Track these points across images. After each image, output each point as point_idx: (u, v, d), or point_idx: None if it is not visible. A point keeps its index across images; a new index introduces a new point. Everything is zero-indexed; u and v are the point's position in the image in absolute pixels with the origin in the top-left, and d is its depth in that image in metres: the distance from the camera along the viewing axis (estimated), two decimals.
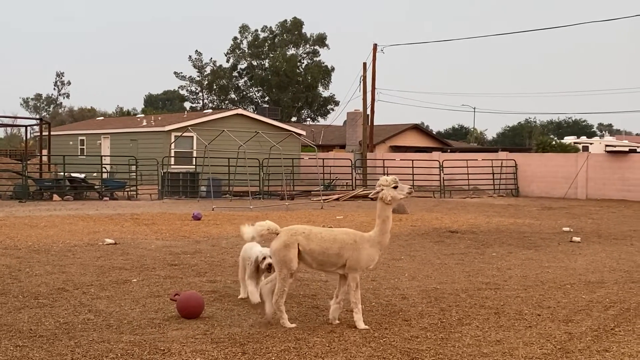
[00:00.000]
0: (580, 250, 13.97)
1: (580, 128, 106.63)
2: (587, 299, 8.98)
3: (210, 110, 56.01)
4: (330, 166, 38.00)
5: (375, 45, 40.62)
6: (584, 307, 8.53)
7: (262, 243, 8.75)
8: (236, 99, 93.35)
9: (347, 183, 36.00)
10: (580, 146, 54.79)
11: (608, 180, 32.97)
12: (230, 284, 9.64)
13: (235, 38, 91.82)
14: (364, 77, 40.49)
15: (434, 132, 75.41)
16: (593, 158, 34.68)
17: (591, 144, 56.97)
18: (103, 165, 32.76)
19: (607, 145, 47.00)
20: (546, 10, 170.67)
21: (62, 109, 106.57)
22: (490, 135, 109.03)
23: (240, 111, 44.49)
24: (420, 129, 60.84)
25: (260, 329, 7.14)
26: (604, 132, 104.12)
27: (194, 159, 34.80)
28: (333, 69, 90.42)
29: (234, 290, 9.18)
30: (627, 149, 40.45)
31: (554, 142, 56.07)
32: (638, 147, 49.01)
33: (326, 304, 8.22)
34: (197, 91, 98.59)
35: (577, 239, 15.63)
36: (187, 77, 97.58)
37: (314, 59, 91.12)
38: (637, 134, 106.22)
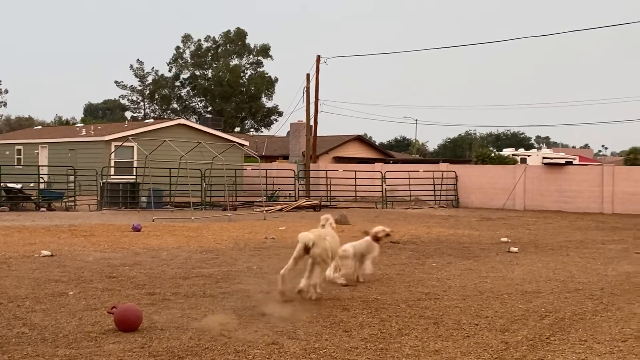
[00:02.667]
0: (517, 260, 14.20)
1: (518, 140, 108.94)
2: (523, 309, 9.13)
3: (151, 120, 55.32)
4: (274, 177, 37.95)
5: (318, 57, 40.82)
6: (521, 316, 8.67)
7: None
8: (178, 108, 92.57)
9: (290, 194, 35.98)
10: (518, 158, 55.88)
11: (545, 191, 33.66)
12: (169, 297, 9.51)
13: (178, 47, 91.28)
14: (307, 88, 40.62)
15: (377, 144, 75.94)
16: (530, 170, 35.37)
17: (529, 156, 58.19)
18: (40, 176, 32.08)
19: (544, 158, 48.10)
20: (485, 25, 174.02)
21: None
22: (432, 147, 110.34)
23: (182, 121, 44.01)
24: (363, 140, 61.20)
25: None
26: (541, 144, 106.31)
27: (135, 169, 34.30)
28: (277, 79, 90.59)
29: (173, 303, 9.07)
30: (563, 161, 41.52)
31: (493, 154, 57.02)
32: (574, 159, 50.32)
33: (268, 314, 8.22)
34: (138, 101, 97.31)
35: (515, 249, 15.89)
36: (128, 86, 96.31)
37: (258, 69, 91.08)
38: (573, 147, 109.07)
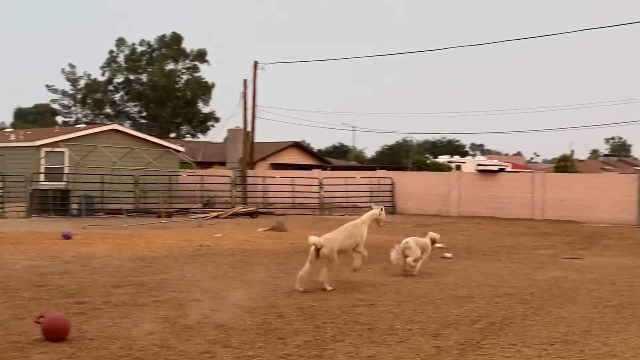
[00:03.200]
0: (451, 266, 14.41)
1: (453, 148, 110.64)
2: (455, 314, 9.26)
3: (83, 125, 54.15)
4: (210, 183, 37.60)
5: (256, 63, 40.74)
6: (453, 321, 8.79)
7: None
8: (112, 113, 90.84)
9: (226, 201, 35.73)
10: (453, 165, 56.81)
11: (478, 197, 34.20)
12: (100, 306, 9.33)
13: (111, 51, 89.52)
14: (245, 94, 40.48)
15: (315, 150, 76.17)
16: (465, 177, 35.94)
17: (464, 163, 59.19)
18: None
19: (478, 165, 48.87)
20: (420, 34, 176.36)
21: None
22: (370, 153, 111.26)
23: (115, 126, 43.15)
24: (301, 146, 61.26)
25: None
26: (476, 151, 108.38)
27: (65, 175, 33.58)
28: (214, 85, 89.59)
29: (103, 312, 8.91)
30: (496, 168, 42.26)
31: (429, 161, 57.89)
32: (507, 166, 51.36)
33: (202, 323, 8.16)
34: (70, 105, 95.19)
35: (449, 255, 16.13)
36: (59, 90, 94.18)
37: (194, 74, 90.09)
38: (506, 154, 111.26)
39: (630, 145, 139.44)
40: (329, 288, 10.98)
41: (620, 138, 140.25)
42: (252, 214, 30.62)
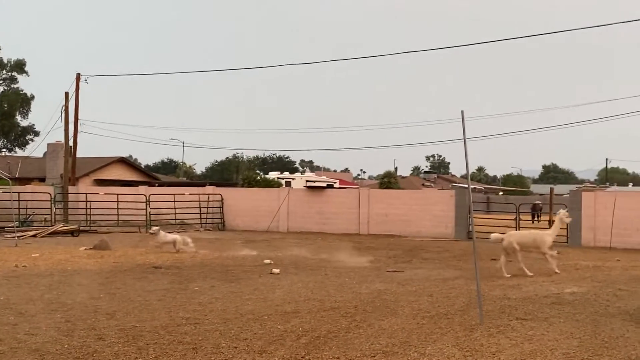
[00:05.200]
0: (279, 281, 14.53)
1: (284, 164, 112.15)
2: (282, 329, 9.35)
3: None
4: (28, 200, 35.75)
5: (78, 75, 39.27)
6: (279, 337, 8.88)
7: None
8: None
9: (45, 218, 34.13)
10: (283, 181, 57.47)
11: (307, 213, 34.77)
12: None
13: None
14: (66, 107, 38.89)
15: (143, 166, 74.51)
16: (294, 193, 36.44)
17: (293, 179, 60.06)
18: None
19: (307, 181, 49.75)
20: (251, 53, 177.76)
21: None
22: (200, 169, 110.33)
23: None
24: (127, 162, 59.68)
25: None
26: (305, 168, 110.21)
27: None
28: (33, 97, 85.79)
29: None
30: (325, 184, 43.26)
31: (259, 177, 58.25)
32: (335, 182, 52.65)
33: (10, 349, 7.72)
34: None
35: (277, 270, 16.26)
36: None
37: (12, 85, 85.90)
38: (334, 170, 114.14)
39: (448, 163, 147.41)
40: (529, 274, 15.65)
41: (440, 156, 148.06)
42: (73, 233, 29.46)
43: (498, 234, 17.03)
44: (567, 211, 17.88)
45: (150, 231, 18.21)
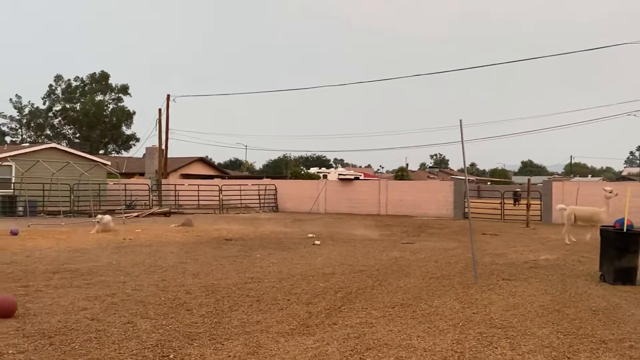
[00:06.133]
0: (319, 250, 14.55)
1: (321, 161, 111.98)
2: (323, 286, 9.37)
3: (27, 144, 51.05)
4: (132, 190, 36.32)
5: (168, 96, 39.69)
6: (321, 292, 8.90)
7: None
8: (51, 135, 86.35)
9: (145, 203, 34.61)
10: (321, 175, 57.41)
11: (339, 199, 34.77)
12: (42, 288, 8.82)
13: (51, 85, 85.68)
14: (160, 120, 39.36)
15: (216, 164, 74.93)
16: (329, 183, 36.43)
17: (329, 173, 59.91)
18: None
19: (339, 174, 49.59)
20: (297, 73, 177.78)
21: None
22: (258, 166, 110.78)
23: (54, 145, 40.75)
24: (204, 161, 60.16)
25: None
26: (337, 164, 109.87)
27: (12, 184, 31.48)
28: (134, 112, 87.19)
29: (44, 293, 8.43)
30: (353, 177, 43.06)
31: (303, 172, 58.31)
32: (360, 175, 52.38)
33: (125, 299, 7.86)
34: (16, 128, 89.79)
35: (318, 242, 16.30)
36: (7, 115, 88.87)
37: (119, 104, 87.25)
38: (360, 166, 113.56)
39: (448, 160, 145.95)
40: (567, 242, 15.43)
41: (441, 154, 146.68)
42: (165, 214, 29.83)
43: (563, 205, 17.17)
44: (610, 190, 16.34)
45: (96, 219, 19.45)
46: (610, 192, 16.34)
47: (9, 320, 6.75)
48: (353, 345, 5.97)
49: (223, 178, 45.71)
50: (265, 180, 39.19)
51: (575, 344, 6.17)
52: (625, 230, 9.96)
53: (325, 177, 53.69)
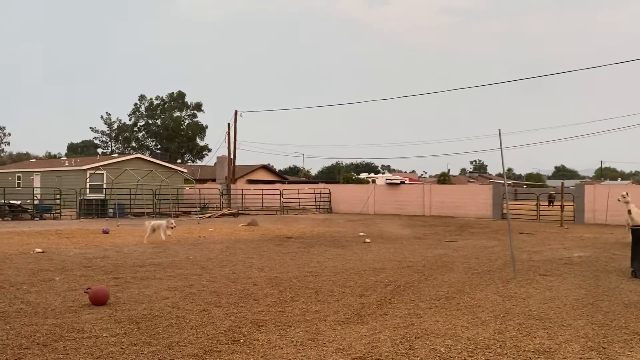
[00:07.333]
0: (370, 248, 14.47)
1: (370, 168, 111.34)
2: (374, 280, 9.31)
3: (116, 155, 52.93)
4: (205, 194, 37.13)
5: (236, 112, 40.41)
6: (372, 285, 8.84)
7: None
8: (136, 146, 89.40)
9: (217, 206, 35.31)
10: (370, 180, 57.15)
11: (387, 201, 34.50)
12: (129, 279, 9.12)
13: (135, 104, 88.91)
14: (228, 132, 40.11)
15: (277, 170, 75.74)
16: (378, 187, 36.22)
17: (377, 178, 59.54)
18: (35, 195, 30.14)
19: (387, 179, 49.27)
20: (349, 90, 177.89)
21: (4, 153, 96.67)
22: (314, 172, 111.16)
23: (138, 155, 42.22)
24: (267, 168, 60.90)
25: None
26: (384, 170, 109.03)
27: (104, 189, 32.75)
28: (207, 126, 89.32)
29: (132, 284, 8.71)
30: (399, 181, 42.68)
31: (354, 177, 58.19)
32: (406, 180, 51.87)
33: (201, 290, 8.02)
34: (107, 141, 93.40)
35: (368, 240, 16.21)
36: (99, 130, 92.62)
37: (193, 119, 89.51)
38: (405, 172, 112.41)
39: (486, 166, 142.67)
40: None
41: (480, 160, 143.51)
42: (234, 215, 30.34)
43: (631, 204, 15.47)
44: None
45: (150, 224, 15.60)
46: (623, 197, 15.65)
47: (102, 308, 7.00)
48: (403, 333, 5.91)
49: (283, 183, 46.13)
50: (321, 185, 39.30)
51: (610, 335, 5.92)
52: None
53: (374, 181, 53.38)
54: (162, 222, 15.95)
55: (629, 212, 15.03)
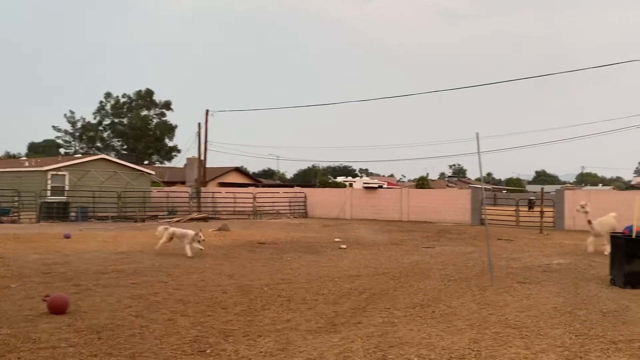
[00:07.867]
0: (345, 254, 14.51)
1: (347, 171, 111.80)
2: (348, 287, 9.34)
3: (80, 155, 52.01)
4: (173, 197, 36.77)
5: (207, 111, 40.09)
6: (346, 292, 8.86)
7: None
8: (101, 146, 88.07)
9: (185, 209, 34.98)
10: (347, 183, 57.36)
11: (364, 206, 34.63)
12: (91, 287, 8.97)
13: (101, 102, 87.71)
14: (199, 133, 39.79)
15: (250, 173, 75.41)
16: (355, 191, 36.33)
17: (354, 181, 59.85)
18: None
19: (364, 183, 49.48)
20: (334, 88, 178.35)
21: None
22: (289, 175, 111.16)
23: (103, 156, 41.45)
24: (240, 170, 60.56)
25: None
26: (362, 174, 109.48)
27: (66, 191, 32.16)
28: (176, 126, 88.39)
29: (94, 292, 8.57)
30: (377, 185, 42.93)
31: (330, 181, 58.31)
32: (384, 184, 52.20)
33: (166, 298, 7.94)
34: (70, 140, 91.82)
35: (344, 246, 16.24)
36: (62, 129, 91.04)
37: (162, 118, 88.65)
38: (383, 175, 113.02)
39: (465, 170, 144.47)
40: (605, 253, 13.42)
41: (459, 164, 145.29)
42: (204, 219, 30.11)
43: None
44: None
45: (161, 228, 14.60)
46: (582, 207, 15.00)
47: (62, 317, 6.87)
48: (376, 342, 5.93)
49: (257, 186, 45.94)
50: (296, 189, 39.30)
51: (587, 344, 6.04)
52: (634, 236, 9.74)
53: (351, 185, 53.59)
54: (189, 231, 13.67)
55: (589, 222, 14.66)
